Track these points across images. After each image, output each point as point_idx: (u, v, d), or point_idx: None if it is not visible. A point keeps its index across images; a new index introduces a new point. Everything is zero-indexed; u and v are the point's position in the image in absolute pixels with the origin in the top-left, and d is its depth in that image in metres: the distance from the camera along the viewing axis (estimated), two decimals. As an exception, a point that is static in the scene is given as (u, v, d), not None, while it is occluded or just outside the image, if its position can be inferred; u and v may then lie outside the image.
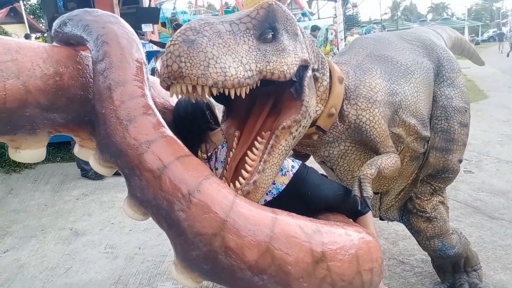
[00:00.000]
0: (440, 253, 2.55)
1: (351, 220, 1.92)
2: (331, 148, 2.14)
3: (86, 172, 5.48)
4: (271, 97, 1.83)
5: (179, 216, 1.33)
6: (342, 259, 1.39)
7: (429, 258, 3.17)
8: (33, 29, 20.99)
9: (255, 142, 1.71)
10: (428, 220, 2.51)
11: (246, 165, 1.65)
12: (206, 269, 1.34)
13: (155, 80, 2.10)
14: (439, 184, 2.49)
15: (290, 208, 1.91)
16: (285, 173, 1.95)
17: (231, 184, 1.61)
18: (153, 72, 7.24)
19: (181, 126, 2.05)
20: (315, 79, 1.88)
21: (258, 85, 1.58)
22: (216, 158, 2.00)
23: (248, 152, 1.69)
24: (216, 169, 2.01)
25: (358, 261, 1.43)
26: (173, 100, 2.13)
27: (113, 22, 1.69)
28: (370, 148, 2.10)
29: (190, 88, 1.42)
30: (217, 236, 1.30)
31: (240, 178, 1.62)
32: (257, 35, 1.59)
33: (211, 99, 2.18)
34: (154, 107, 1.59)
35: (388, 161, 2.00)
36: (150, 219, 1.47)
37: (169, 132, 1.52)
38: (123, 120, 1.48)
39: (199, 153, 2.03)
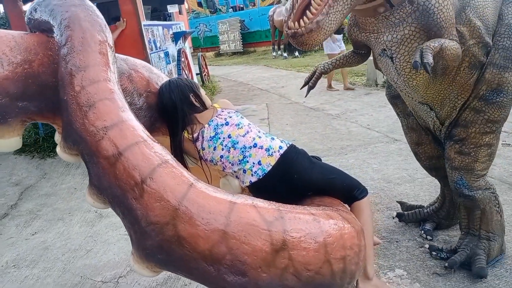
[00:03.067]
0: (456, 187, 2.51)
1: (340, 202, 1.82)
2: (395, 32, 2.14)
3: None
4: None
5: (132, 204, 1.29)
6: (306, 248, 1.30)
7: (452, 240, 3.01)
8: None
9: None
10: (459, 152, 2.46)
11: (311, 7, 1.77)
12: (161, 259, 1.29)
13: (137, 62, 2.05)
14: (493, 112, 2.35)
15: (276, 190, 1.84)
16: (271, 154, 1.88)
17: (295, 23, 1.78)
18: (180, 53, 7.23)
19: (165, 111, 2.02)
20: None
21: None
22: (203, 137, 1.96)
23: None
24: (203, 148, 1.96)
25: (326, 249, 1.33)
26: (158, 82, 2.08)
27: (77, 5, 1.64)
28: (435, 35, 2.07)
29: None
30: (169, 225, 1.25)
31: (305, 18, 1.76)
32: None
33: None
34: (117, 90, 1.53)
35: (451, 44, 2.00)
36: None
37: (129, 116, 1.47)
38: (83, 106, 1.45)
39: (186, 134, 1.99)
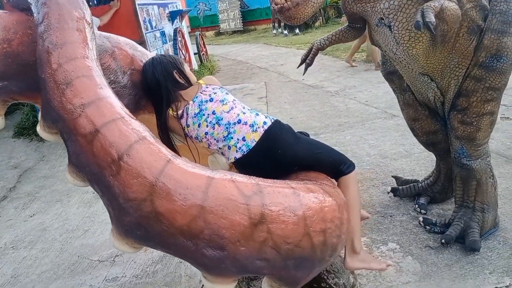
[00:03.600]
0: (455, 156, 2.54)
1: (326, 177, 1.81)
2: None
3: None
4: None
5: (109, 182, 1.29)
6: (285, 221, 1.30)
7: (446, 213, 3.01)
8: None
9: None
10: (462, 122, 2.46)
11: None
12: (140, 235, 1.29)
13: (121, 39, 2.02)
14: (494, 79, 2.33)
15: (261, 166, 1.83)
16: (256, 130, 1.86)
17: None
18: (176, 32, 7.15)
19: (149, 89, 2.00)
20: None
21: None
22: (187, 114, 1.95)
23: None
24: (188, 125, 1.95)
25: (305, 222, 1.33)
26: (142, 60, 2.05)
27: (53, -18, 1.60)
28: None
29: None
30: (146, 202, 1.25)
31: None
32: None
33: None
34: (95, 67, 1.51)
35: (451, 4, 1.98)
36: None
37: (107, 93, 1.45)
38: (61, 84, 1.43)
39: (171, 111, 1.97)
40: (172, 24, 7.47)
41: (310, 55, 2.67)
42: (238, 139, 1.86)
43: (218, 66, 10.50)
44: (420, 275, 2.40)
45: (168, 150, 1.39)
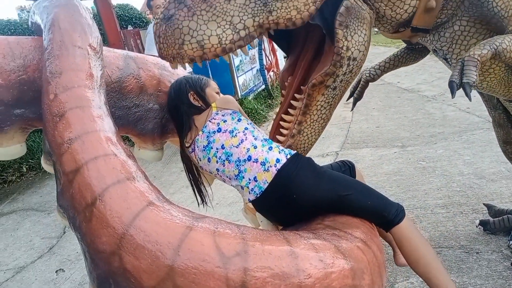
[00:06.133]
0: None
1: (361, 222, 1.49)
2: (442, 30, 1.72)
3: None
4: (317, 36, 1.69)
5: (82, 229, 1.16)
6: (273, 291, 1.04)
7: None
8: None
9: (291, 101, 1.68)
10: None
11: (281, 129, 1.69)
12: (110, 291, 1.14)
13: (149, 59, 1.93)
14: None
15: (279, 208, 1.61)
16: (267, 169, 1.61)
17: None
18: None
19: (169, 112, 1.87)
20: None
21: (267, 38, 1.52)
22: (197, 147, 1.76)
23: (283, 115, 1.69)
24: (200, 159, 1.77)
25: (301, 294, 1.06)
26: (171, 80, 1.93)
27: (60, 5, 1.55)
28: (495, 28, 1.62)
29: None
30: (115, 256, 1.09)
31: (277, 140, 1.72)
32: None
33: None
34: (94, 97, 1.40)
35: None
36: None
37: (98, 126, 1.33)
38: (55, 115, 1.35)
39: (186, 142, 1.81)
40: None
41: (358, 88, 2.32)
42: (249, 179, 1.62)
43: (311, 68, 10.21)
44: None
45: (157, 192, 1.22)
